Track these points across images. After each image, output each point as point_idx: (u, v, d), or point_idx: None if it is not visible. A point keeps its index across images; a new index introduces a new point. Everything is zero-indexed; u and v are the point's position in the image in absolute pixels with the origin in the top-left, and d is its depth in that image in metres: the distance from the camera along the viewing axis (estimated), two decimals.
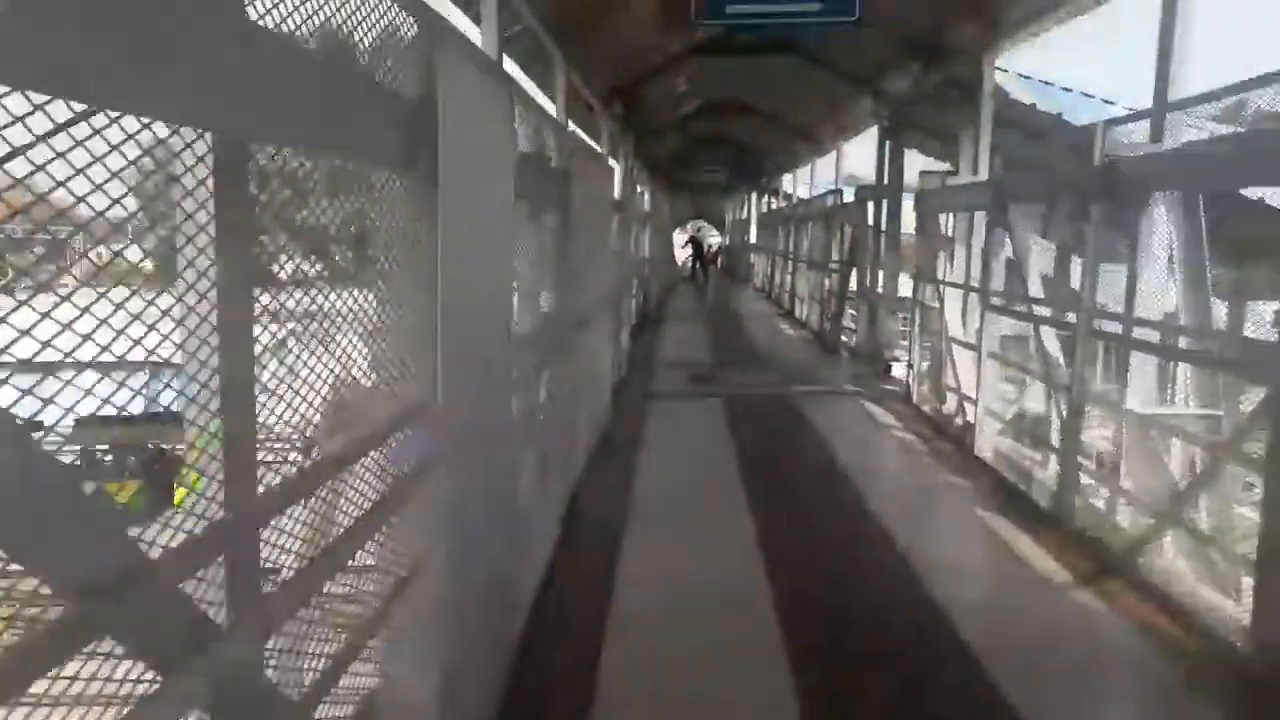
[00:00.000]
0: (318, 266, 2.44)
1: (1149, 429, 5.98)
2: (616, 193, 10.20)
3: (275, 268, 2.15)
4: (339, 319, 2.36)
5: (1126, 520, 6.26)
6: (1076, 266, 7.29)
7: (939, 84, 12.18)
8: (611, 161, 15.55)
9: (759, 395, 12.02)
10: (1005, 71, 11.34)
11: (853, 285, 16.12)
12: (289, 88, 1.94)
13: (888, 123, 14.46)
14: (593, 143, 14.80)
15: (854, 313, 16.25)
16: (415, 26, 2.95)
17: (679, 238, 44.72)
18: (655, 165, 31.20)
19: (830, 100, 18.00)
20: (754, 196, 35.82)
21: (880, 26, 12.39)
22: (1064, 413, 6.90)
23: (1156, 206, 6.00)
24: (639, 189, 26.91)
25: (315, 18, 2.11)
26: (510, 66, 8.42)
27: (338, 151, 2.48)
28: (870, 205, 14.91)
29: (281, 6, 1.92)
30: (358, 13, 2.46)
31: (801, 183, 26.76)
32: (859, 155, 20.17)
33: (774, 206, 31.00)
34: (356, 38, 2.52)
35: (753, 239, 36.77)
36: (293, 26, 1.99)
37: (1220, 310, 5.70)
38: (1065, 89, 11.72)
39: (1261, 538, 4.32)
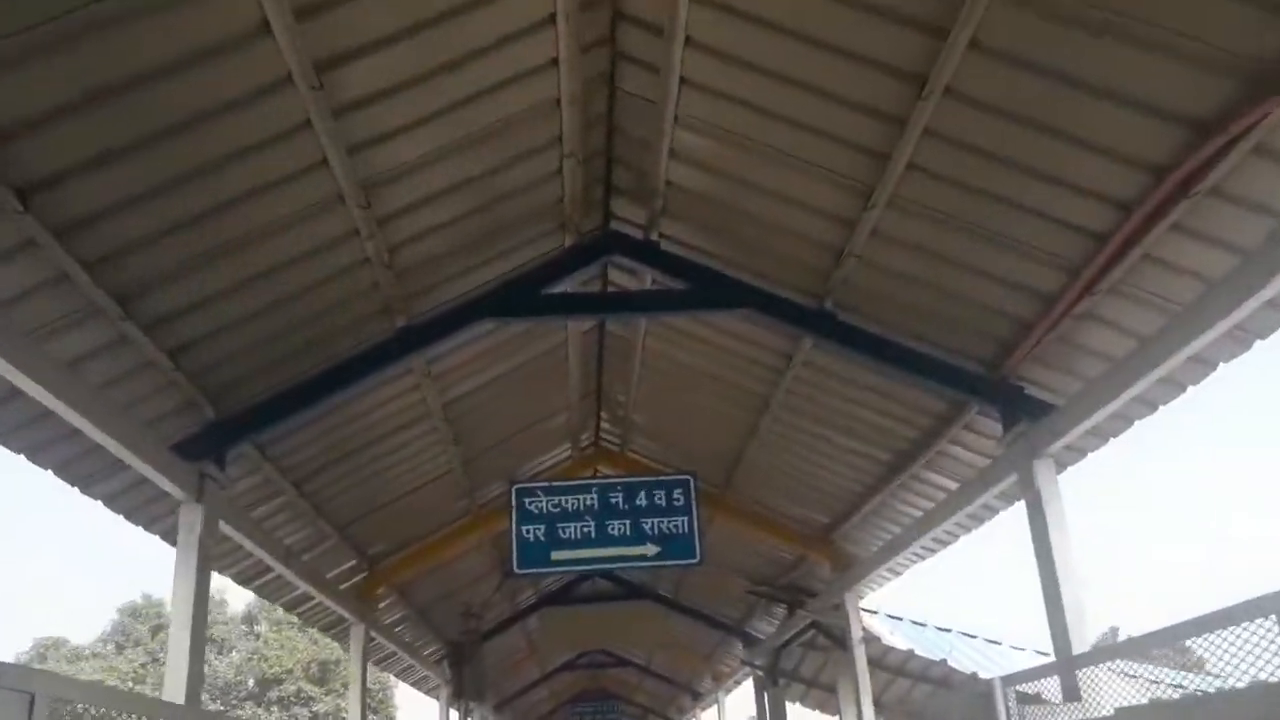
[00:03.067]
0: None
1: None
2: None
3: None
4: None
5: None
6: None
7: (809, 628, 10.92)
8: None
9: None
10: (874, 613, 10.28)
11: None
12: None
13: (762, 672, 12.89)
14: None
15: None
16: None
17: None
18: None
19: (702, 648, 16.59)
20: None
21: (731, 569, 11.50)
22: None
23: None
24: None
25: None
26: None
27: None
28: None
29: None
30: None
31: None
32: (747, 705, 18.30)
33: None
34: None
35: None
36: None
37: None
38: (941, 629, 10.60)
39: None
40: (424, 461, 8.05)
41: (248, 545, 6.40)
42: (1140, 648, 4.33)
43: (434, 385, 6.90)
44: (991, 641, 11.18)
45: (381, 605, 10.04)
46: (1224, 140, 3.51)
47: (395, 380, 6.56)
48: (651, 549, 8.02)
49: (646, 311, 6.56)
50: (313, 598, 8.44)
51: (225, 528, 5.77)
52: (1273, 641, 2.85)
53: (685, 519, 7.90)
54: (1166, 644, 3.77)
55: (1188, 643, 3.82)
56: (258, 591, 8.09)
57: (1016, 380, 5.50)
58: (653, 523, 7.94)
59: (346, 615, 8.82)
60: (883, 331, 5.78)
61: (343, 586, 8.79)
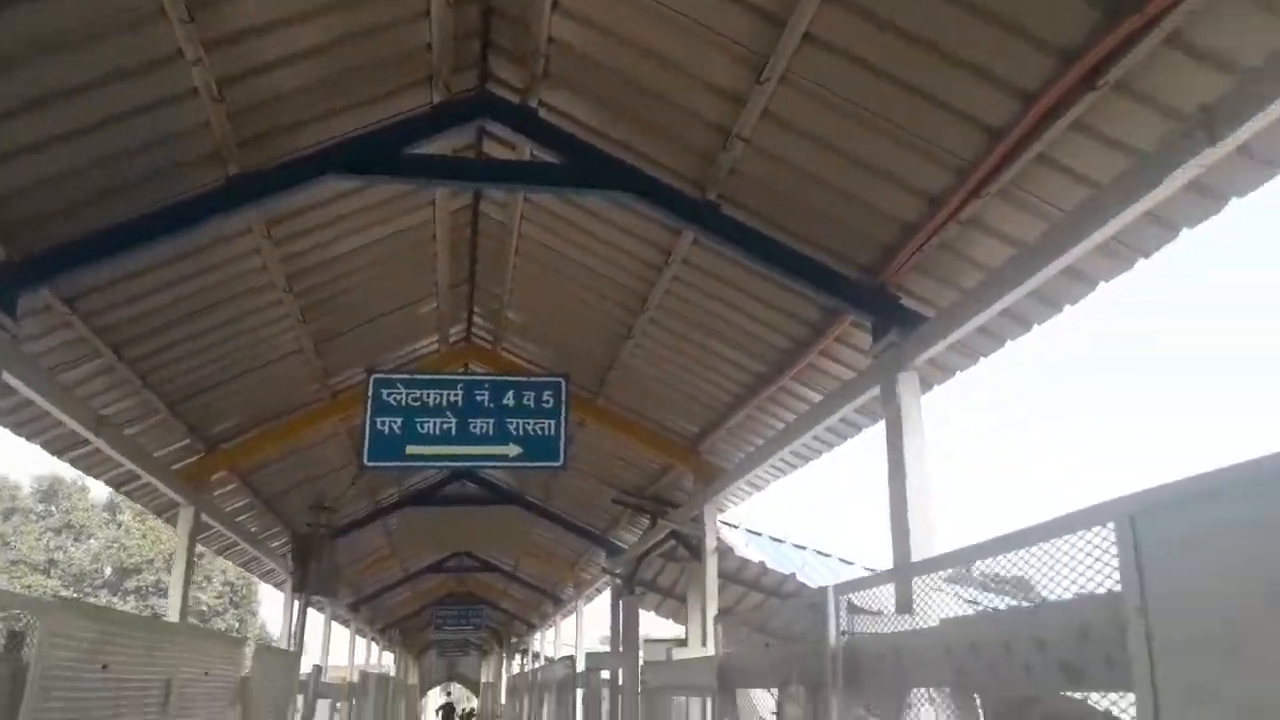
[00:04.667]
0: None
1: None
2: (246, 670, 7.48)
3: None
4: None
5: None
6: None
7: (668, 538, 10.88)
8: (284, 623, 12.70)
9: None
10: (734, 527, 10.30)
11: None
12: None
13: (620, 580, 12.87)
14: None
15: None
16: None
17: (434, 702, 40.74)
18: (392, 625, 27.92)
19: (567, 556, 16.55)
20: (505, 657, 32.58)
21: (599, 477, 11.31)
22: None
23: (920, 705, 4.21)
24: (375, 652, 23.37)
25: None
26: None
27: None
28: (606, 674, 12.67)
29: None
30: None
31: (550, 643, 24.32)
32: (607, 614, 18.40)
33: (525, 669, 27.91)
34: None
35: (503, 704, 32.73)
36: None
37: None
38: (798, 545, 10.73)
39: None
40: (267, 337, 7.39)
41: (50, 409, 5.71)
42: (975, 556, 4.22)
43: (276, 251, 6.23)
44: (845, 561, 11.42)
45: (220, 491, 9.42)
46: (1140, 22, 3.22)
47: (231, 241, 5.89)
48: (514, 449, 7.70)
49: (515, 183, 6.04)
50: (139, 476, 7.77)
51: (18, 386, 5.09)
52: (1105, 550, 2.66)
53: (553, 422, 7.61)
54: (1004, 550, 3.63)
55: (1019, 561, 3.71)
56: (73, 464, 7.34)
57: (894, 289, 5.29)
58: (518, 423, 7.62)
59: (175, 496, 8.17)
60: (766, 229, 5.46)
61: (175, 467, 8.13)
